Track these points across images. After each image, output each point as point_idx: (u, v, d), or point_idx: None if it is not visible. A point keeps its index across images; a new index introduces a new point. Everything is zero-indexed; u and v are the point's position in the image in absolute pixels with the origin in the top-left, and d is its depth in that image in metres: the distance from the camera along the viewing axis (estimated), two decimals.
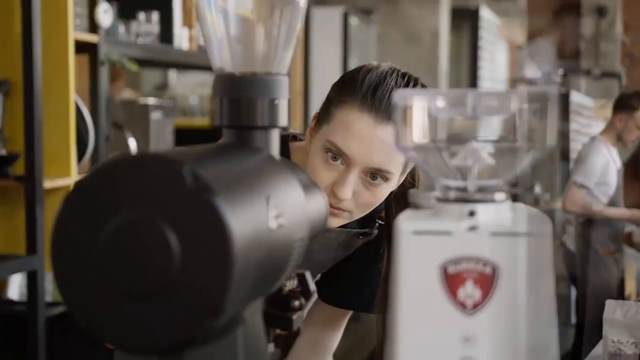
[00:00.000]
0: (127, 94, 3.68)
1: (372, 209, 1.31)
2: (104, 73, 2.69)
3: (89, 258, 0.63)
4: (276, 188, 0.73)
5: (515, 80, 9.60)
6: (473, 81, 7.47)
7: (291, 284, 0.93)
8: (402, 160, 1.27)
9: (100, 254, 0.63)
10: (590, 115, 7.59)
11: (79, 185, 0.64)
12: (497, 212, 0.71)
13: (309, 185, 0.88)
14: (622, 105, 4.33)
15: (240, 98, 0.82)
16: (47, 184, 2.43)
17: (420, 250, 0.70)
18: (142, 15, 3.03)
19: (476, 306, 0.68)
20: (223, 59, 0.84)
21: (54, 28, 2.48)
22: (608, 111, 8.62)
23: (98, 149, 2.70)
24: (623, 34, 9.88)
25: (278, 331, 0.99)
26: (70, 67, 2.50)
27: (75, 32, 2.56)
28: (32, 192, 2.34)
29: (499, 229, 0.69)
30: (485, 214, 0.70)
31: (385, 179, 1.26)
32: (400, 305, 0.70)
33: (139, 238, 0.62)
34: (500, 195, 0.72)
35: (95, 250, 0.63)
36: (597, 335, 4.62)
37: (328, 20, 5.25)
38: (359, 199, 1.27)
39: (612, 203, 4.34)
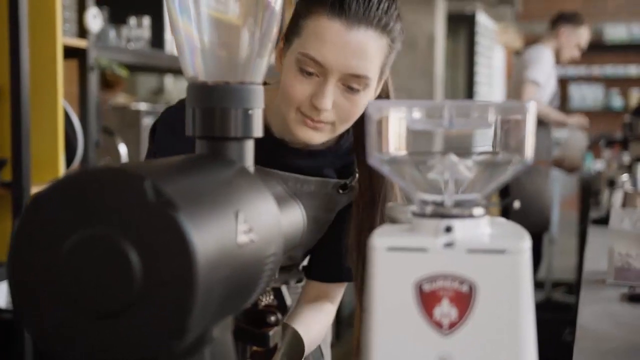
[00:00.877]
0: (121, 98, 3.66)
1: (353, 120, 1.28)
2: (93, 78, 2.66)
3: (48, 275, 0.61)
4: (247, 202, 0.70)
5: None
6: (469, 86, 7.45)
7: (267, 299, 0.91)
8: (378, 64, 1.25)
9: (59, 271, 0.60)
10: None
11: (37, 198, 0.62)
12: (475, 228, 0.68)
13: (285, 198, 0.86)
14: (568, 19, 4.50)
15: (214, 108, 0.79)
16: (35, 190, 2.40)
17: (394, 268, 0.67)
18: (133, 20, 3.01)
19: (452, 326, 0.66)
20: (196, 67, 0.81)
21: (42, 33, 2.45)
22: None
23: (87, 154, 2.67)
24: None
25: (254, 348, 0.97)
26: (59, 72, 2.47)
27: (64, 37, 2.54)
28: (20, 199, 2.31)
29: (476, 245, 0.66)
30: (463, 229, 0.68)
31: (364, 86, 1.24)
32: (374, 324, 0.67)
33: (99, 255, 0.59)
34: (478, 210, 0.69)
35: (54, 266, 0.60)
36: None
37: None
38: (340, 110, 1.25)
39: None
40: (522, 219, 4.23)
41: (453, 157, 0.70)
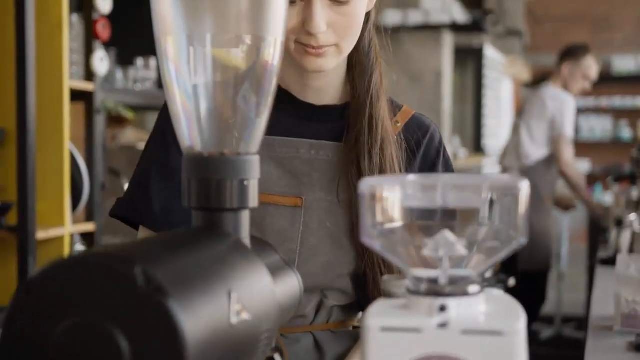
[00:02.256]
0: (129, 134, 3.67)
1: (357, 35, 1.19)
2: (99, 121, 2.67)
3: None
4: (240, 279, 0.70)
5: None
6: (477, 120, 7.45)
7: None
8: None
9: (50, 357, 0.60)
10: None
11: (29, 284, 0.61)
12: (470, 306, 0.68)
13: (280, 267, 0.85)
14: (569, 54, 4.52)
15: (209, 179, 0.79)
16: (41, 234, 2.41)
17: (389, 348, 0.66)
18: (139, 61, 3.03)
19: None
20: (192, 138, 0.81)
21: (49, 76, 2.47)
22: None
23: (93, 197, 2.68)
24: None
25: None
26: (65, 116, 2.48)
27: (71, 81, 2.55)
28: (25, 243, 2.32)
29: (471, 326, 0.66)
30: (457, 308, 0.67)
31: None
32: None
33: (89, 342, 0.59)
34: (473, 288, 0.69)
35: (44, 353, 0.60)
36: (533, 280, 4.62)
37: None
38: (337, 27, 1.16)
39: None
40: (527, 256, 4.22)
41: (448, 234, 0.69)
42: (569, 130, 4.37)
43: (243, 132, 0.81)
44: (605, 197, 8.66)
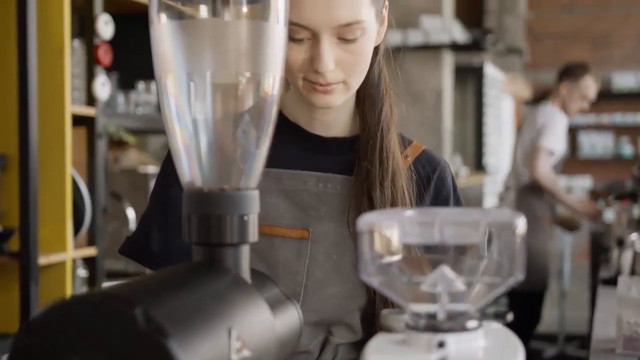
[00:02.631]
0: (132, 156, 3.68)
1: (365, 71, 1.18)
2: (101, 146, 2.69)
3: None
4: (240, 316, 0.71)
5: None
6: (478, 137, 7.47)
7: None
8: (367, 1, 1.14)
9: None
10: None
11: (30, 324, 0.62)
12: (469, 342, 0.68)
13: (280, 300, 0.86)
14: (568, 73, 4.50)
15: (210, 215, 0.80)
16: (43, 259, 2.41)
17: None
18: (141, 85, 3.04)
19: None
20: (192, 173, 0.82)
21: (51, 102, 2.48)
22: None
23: (95, 221, 2.68)
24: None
25: None
26: (67, 141, 2.50)
27: (73, 106, 2.57)
28: (27, 269, 2.32)
29: None
30: (456, 343, 0.67)
31: (361, 31, 1.14)
32: None
33: None
34: (471, 323, 0.69)
35: None
36: (528, 300, 4.60)
37: None
38: (345, 65, 1.15)
39: (554, 171, 4.51)
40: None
41: (446, 270, 0.70)
42: (548, 142, 4.33)
43: (243, 167, 0.82)
44: (607, 214, 8.67)
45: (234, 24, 0.78)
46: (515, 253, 0.69)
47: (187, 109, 0.81)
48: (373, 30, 1.17)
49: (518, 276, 0.69)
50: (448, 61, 5.65)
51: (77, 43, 2.65)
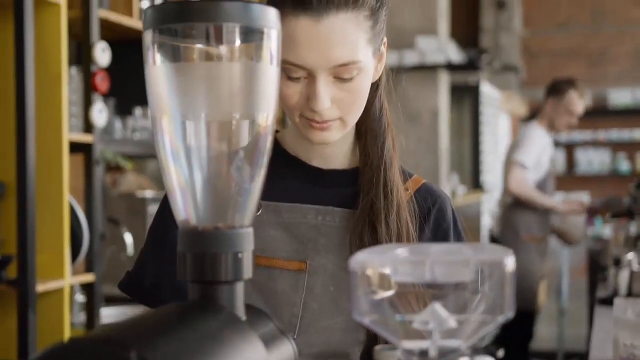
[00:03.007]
0: (130, 179, 3.69)
1: (362, 108, 1.18)
2: (98, 172, 2.70)
3: None
4: (234, 355, 0.71)
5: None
6: (475, 156, 7.49)
7: None
8: (364, 42, 1.15)
9: None
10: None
11: None
12: None
13: (275, 336, 0.87)
14: (552, 90, 4.49)
15: (204, 253, 0.81)
16: (41, 287, 2.42)
17: None
18: (138, 111, 3.06)
19: None
20: (187, 212, 0.83)
21: (49, 129, 2.50)
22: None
23: (93, 248, 2.69)
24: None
25: None
26: (65, 169, 2.51)
27: (71, 133, 2.58)
28: (25, 297, 2.33)
29: None
30: None
31: (357, 71, 1.15)
32: None
33: None
34: (463, 359, 0.70)
35: None
36: (519, 320, 4.53)
37: None
38: (341, 103, 1.16)
39: (540, 188, 4.44)
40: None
41: (438, 308, 0.71)
42: (519, 156, 4.32)
43: (237, 205, 0.83)
44: (605, 230, 8.68)
45: (227, 66, 0.79)
46: (505, 291, 0.70)
47: (182, 148, 0.82)
48: (370, 69, 1.18)
49: (508, 314, 0.70)
50: (444, 81, 5.68)
51: (74, 71, 2.67)
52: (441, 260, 0.71)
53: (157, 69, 0.80)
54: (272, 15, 0.81)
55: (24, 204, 2.38)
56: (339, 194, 1.26)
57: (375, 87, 1.24)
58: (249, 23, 0.80)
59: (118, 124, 2.95)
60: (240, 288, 0.82)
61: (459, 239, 1.29)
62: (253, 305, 0.88)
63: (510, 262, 0.69)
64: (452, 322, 0.71)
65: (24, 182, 2.38)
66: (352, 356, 1.23)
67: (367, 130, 1.27)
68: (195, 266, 0.81)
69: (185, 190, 0.83)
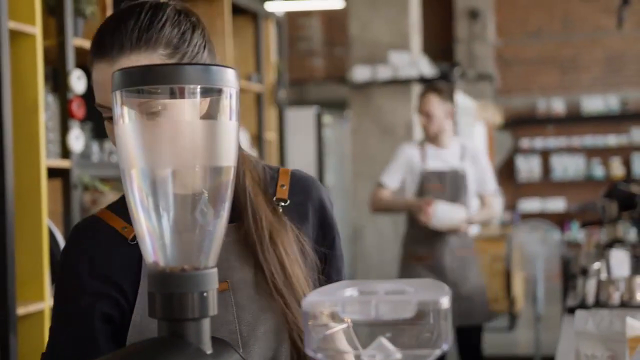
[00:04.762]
0: (110, 197, 3.73)
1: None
2: (76, 196, 2.76)
3: None
4: None
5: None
6: None
7: None
8: None
9: None
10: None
11: None
12: None
13: None
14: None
15: (172, 293, 0.88)
16: (21, 310, 2.47)
17: None
18: None
19: None
20: (156, 254, 0.91)
21: (26, 156, 2.56)
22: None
23: None
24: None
25: None
26: (43, 194, 2.57)
27: (48, 159, 2.64)
28: (6, 320, 2.38)
29: None
30: None
31: (162, 106, 1.13)
32: None
33: None
34: None
35: None
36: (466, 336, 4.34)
37: (302, 120, 5.40)
38: None
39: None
40: (467, 315, 4.15)
41: (383, 341, 0.79)
42: (382, 176, 4.16)
43: (201, 247, 0.91)
44: (580, 235, 8.83)
45: (190, 122, 0.87)
46: (441, 326, 0.78)
47: (149, 197, 0.89)
48: (190, 105, 1.15)
49: (444, 346, 0.78)
50: (416, 93, 5.78)
51: (50, 98, 2.73)
52: (385, 300, 0.78)
53: (125, 126, 0.88)
54: (230, 75, 0.89)
55: (2, 229, 2.43)
56: None
57: None
58: (209, 83, 0.87)
59: (95, 148, 3.01)
60: (206, 324, 0.90)
61: (331, 226, 1.36)
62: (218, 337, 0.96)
63: (445, 300, 0.77)
64: (397, 355, 0.78)
65: (2, 207, 2.44)
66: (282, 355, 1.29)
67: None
68: (164, 305, 0.88)
69: (153, 235, 0.90)
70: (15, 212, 2.49)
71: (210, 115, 0.89)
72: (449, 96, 4.11)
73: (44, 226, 2.57)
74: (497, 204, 4.35)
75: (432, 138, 4.13)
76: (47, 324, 2.59)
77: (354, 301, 0.79)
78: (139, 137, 0.88)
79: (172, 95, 0.88)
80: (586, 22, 10.25)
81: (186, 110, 0.87)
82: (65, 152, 2.74)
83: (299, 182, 1.36)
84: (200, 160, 0.89)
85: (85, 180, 2.73)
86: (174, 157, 0.88)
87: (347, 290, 0.81)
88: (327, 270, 1.36)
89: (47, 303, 2.60)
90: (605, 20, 9.84)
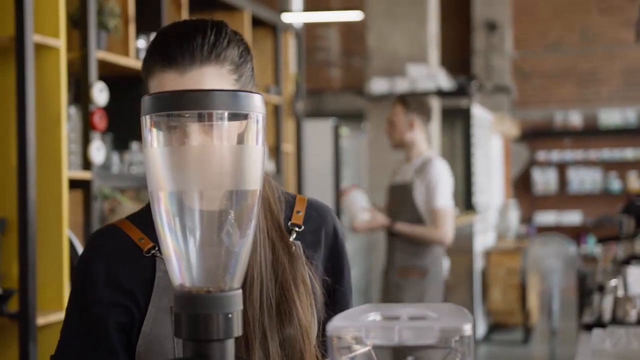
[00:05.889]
0: (128, 206, 3.76)
1: None
2: (96, 207, 2.79)
3: None
4: None
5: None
6: (467, 177, 7.58)
7: None
8: (230, 83, 1.23)
9: None
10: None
11: None
12: None
13: None
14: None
15: (198, 314, 0.90)
16: (41, 320, 2.50)
17: None
18: (135, 145, 3.16)
19: None
20: (182, 276, 0.92)
21: (49, 167, 2.59)
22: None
23: None
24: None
25: None
26: (64, 205, 2.59)
27: (70, 171, 2.67)
28: (26, 330, 2.41)
29: None
30: None
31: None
32: None
33: None
34: None
35: None
36: None
37: (320, 132, 5.41)
38: None
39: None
40: None
41: None
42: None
43: (227, 269, 0.93)
44: (596, 249, 8.78)
45: (218, 147, 0.89)
46: (465, 351, 0.79)
47: (177, 219, 0.91)
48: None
49: None
50: (435, 106, 5.78)
51: (73, 110, 2.76)
52: (408, 326, 0.80)
53: (154, 151, 0.90)
54: (257, 100, 0.91)
55: (24, 239, 2.46)
56: None
57: None
58: (237, 109, 0.89)
59: (115, 159, 3.04)
60: (230, 344, 0.91)
61: (342, 254, 1.37)
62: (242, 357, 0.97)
63: (468, 327, 0.78)
64: None
65: (24, 218, 2.47)
66: None
67: None
68: (190, 325, 0.90)
69: (180, 256, 0.92)
70: (37, 223, 2.52)
71: (238, 139, 0.91)
72: (416, 109, 4.04)
73: (65, 237, 2.59)
74: (444, 223, 3.92)
75: (394, 147, 4.16)
76: None
77: (377, 326, 0.81)
78: (167, 161, 0.90)
79: (201, 120, 0.90)
80: (605, 35, 10.22)
81: (214, 134, 0.89)
82: (87, 164, 2.77)
83: (314, 210, 1.37)
84: (227, 184, 0.91)
85: (106, 192, 2.75)
86: (202, 181, 0.90)
87: (371, 315, 0.83)
88: (333, 300, 1.35)
89: None
90: (624, 33, 9.81)
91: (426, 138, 4.10)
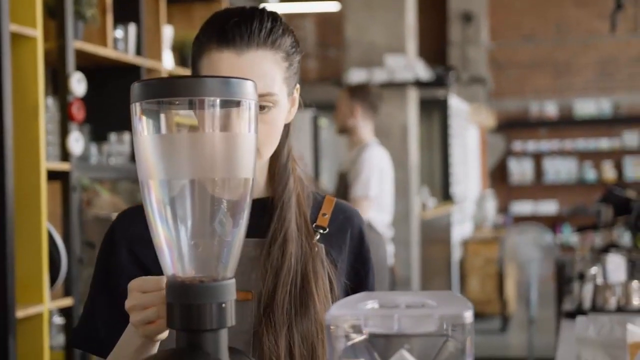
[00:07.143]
0: (105, 198, 3.72)
1: (275, 140, 1.25)
2: (75, 198, 2.75)
3: None
4: None
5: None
6: (445, 168, 7.60)
7: None
8: (279, 79, 1.24)
9: None
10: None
11: None
12: None
13: None
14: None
15: (191, 305, 0.89)
16: (20, 312, 2.47)
17: None
18: (113, 137, 3.12)
19: None
20: (174, 267, 0.91)
21: (27, 159, 2.55)
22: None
23: (71, 272, 2.74)
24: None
25: None
26: (43, 196, 2.56)
27: (48, 162, 2.64)
28: (5, 323, 2.38)
29: None
30: None
31: (273, 103, 1.22)
32: None
33: None
34: None
35: None
36: None
37: (298, 123, 5.39)
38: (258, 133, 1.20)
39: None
40: None
41: (405, 354, 0.79)
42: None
43: (220, 258, 0.91)
44: (573, 238, 8.86)
45: (209, 135, 0.87)
46: (465, 339, 0.78)
47: (168, 209, 0.90)
48: (284, 106, 1.26)
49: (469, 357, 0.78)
50: (412, 97, 5.78)
51: (50, 101, 2.72)
52: (407, 314, 0.79)
53: (144, 138, 0.88)
54: (249, 87, 0.89)
55: (3, 232, 2.43)
56: (254, 223, 1.24)
57: (285, 133, 1.30)
58: (228, 95, 0.88)
59: (94, 150, 3.01)
60: (224, 334, 0.90)
61: (367, 258, 1.37)
62: (236, 348, 0.96)
63: (468, 315, 0.77)
64: None
65: (3, 210, 2.43)
66: None
67: (275, 172, 1.32)
68: (183, 316, 0.89)
69: (172, 246, 0.90)
70: (15, 215, 2.48)
71: (229, 127, 0.89)
72: (359, 97, 4.07)
73: (44, 229, 2.56)
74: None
75: (338, 132, 4.20)
76: (46, 326, 2.58)
77: (376, 314, 0.79)
78: (157, 149, 0.88)
79: (191, 107, 0.89)
80: (579, 27, 10.28)
81: (205, 121, 0.87)
82: (65, 155, 2.74)
83: (341, 213, 1.36)
84: (219, 171, 0.89)
85: (84, 183, 2.72)
86: (193, 168, 0.89)
87: (368, 303, 0.82)
88: None
89: (46, 306, 2.59)
90: (599, 24, 9.87)
91: (370, 128, 4.11)
